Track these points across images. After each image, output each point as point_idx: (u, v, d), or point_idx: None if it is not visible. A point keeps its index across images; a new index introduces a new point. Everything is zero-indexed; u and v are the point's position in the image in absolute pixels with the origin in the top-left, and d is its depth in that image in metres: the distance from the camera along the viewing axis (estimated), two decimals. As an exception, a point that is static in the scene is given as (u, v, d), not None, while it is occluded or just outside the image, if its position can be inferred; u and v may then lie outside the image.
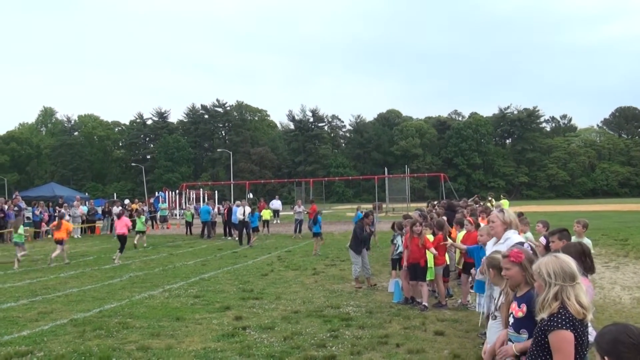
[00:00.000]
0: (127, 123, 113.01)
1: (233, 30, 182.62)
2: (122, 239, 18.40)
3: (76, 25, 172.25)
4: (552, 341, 3.22)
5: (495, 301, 4.76)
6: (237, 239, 24.37)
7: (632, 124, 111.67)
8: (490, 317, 4.88)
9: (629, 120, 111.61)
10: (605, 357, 2.60)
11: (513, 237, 5.75)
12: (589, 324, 3.64)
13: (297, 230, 26.96)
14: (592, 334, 3.40)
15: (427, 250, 10.15)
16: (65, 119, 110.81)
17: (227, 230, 27.38)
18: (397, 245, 11.83)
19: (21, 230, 17.99)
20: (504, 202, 27.81)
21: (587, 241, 9.39)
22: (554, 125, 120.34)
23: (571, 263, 3.40)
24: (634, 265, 14.71)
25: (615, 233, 23.80)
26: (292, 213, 30.77)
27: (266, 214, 29.10)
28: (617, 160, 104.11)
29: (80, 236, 29.83)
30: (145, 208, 35.22)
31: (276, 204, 40.63)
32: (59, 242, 17.60)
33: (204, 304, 10.72)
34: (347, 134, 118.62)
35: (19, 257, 17.19)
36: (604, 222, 31.01)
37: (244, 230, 23.76)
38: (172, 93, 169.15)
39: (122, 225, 18.75)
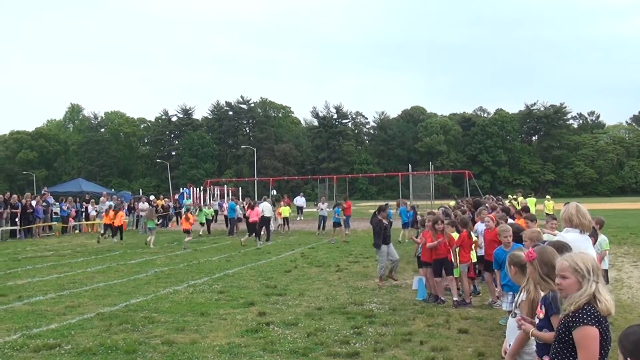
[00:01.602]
0: (153, 120, 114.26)
1: (257, 26, 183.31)
2: (254, 226, 21.91)
3: (102, 23, 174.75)
4: (578, 337, 3.17)
5: (516, 298, 4.73)
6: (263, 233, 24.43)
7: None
8: (510, 315, 4.84)
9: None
10: (629, 359, 2.56)
11: (566, 235, 5.59)
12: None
13: (322, 227, 26.97)
14: None
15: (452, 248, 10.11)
16: (92, 116, 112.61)
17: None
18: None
19: (154, 220, 22.83)
20: (530, 201, 27.53)
21: (602, 238, 9.24)
22: (581, 122, 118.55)
23: (596, 261, 3.38)
24: (664, 265, 14.46)
25: (644, 232, 23.41)
26: (315, 210, 30.81)
27: (285, 211, 29.04)
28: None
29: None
30: (171, 204, 35.56)
31: (300, 200, 40.71)
32: (187, 231, 21.19)
33: (228, 299, 10.80)
34: (371, 131, 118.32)
35: (147, 240, 21.66)
36: (632, 221, 30.53)
37: (264, 227, 23.79)
38: (197, 90, 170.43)
39: (254, 215, 22.17)
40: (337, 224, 23.28)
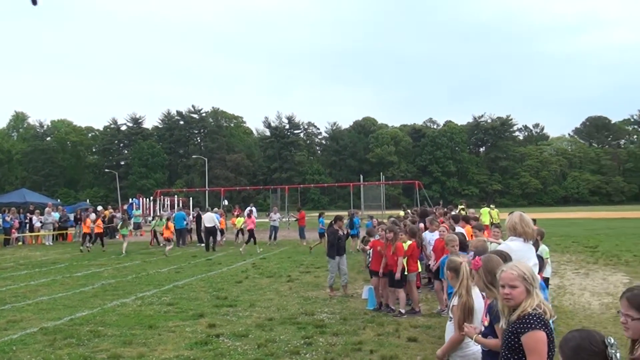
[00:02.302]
0: (101, 129, 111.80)
1: (209, 36, 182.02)
2: (251, 233, 23.02)
3: (49, 29, 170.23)
4: (527, 343, 3.25)
5: (450, 303, 4.86)
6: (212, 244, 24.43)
7: (602, 133, 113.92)
8: (448, 319, 4.98)
9: (599, 129, 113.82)
10: None
11: (510, 244, 5.78)
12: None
13: (273, 237, 26.87)
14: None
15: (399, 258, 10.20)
16: (38, 124, 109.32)
17: (200, 236, 27.28)
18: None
19: (129, 227, 25.01)
20: (484, 210, 27.98)
21: (543, 248, 9.52)
22: (526, 134, 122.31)
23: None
24: (603, 272, 14.99)
25: (585, 240, 24.22)
26: (267, 220, 30.67)
27: (240, 222, 28.81)
28: (588, 168, 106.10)
29: (52, 243, 29.38)
30: (119, 215, 34.79)
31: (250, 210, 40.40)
32: (168, 240, 22.48)
33: (177, 311, 10.65)
34: (323, 141, 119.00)
35: (124, 247, 22.74)
36: (574, 230, 31.54)
37: (210, 237, 24.29)
38: (147, 99, 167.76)
39: (250, 222, 23.45)
40: (322, 235, 23.32)
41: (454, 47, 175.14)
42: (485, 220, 25.04)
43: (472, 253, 5.48)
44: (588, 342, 2.64)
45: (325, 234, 13.63)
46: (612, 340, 2.62)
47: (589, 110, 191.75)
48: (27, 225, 30.78)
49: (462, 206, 28.14)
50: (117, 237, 31.75)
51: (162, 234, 27.13)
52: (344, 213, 22.83)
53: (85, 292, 13.06)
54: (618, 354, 2.60)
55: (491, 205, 32.29)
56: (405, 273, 10.23)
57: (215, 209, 28.12)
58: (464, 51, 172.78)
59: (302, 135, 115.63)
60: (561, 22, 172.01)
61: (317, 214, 25.81)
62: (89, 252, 23.33)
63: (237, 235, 28.05)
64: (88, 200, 57.71)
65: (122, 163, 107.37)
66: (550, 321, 3.38)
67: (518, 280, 3.42)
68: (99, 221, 25.58)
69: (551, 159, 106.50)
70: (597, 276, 14.35)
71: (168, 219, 24.22)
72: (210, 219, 24.19)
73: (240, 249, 22.39)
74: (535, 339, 3.23)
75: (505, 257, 4.47)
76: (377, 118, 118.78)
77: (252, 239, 23.01)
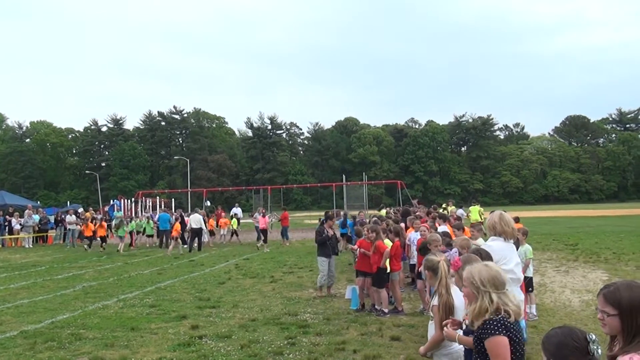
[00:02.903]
0: (81, 130, 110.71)
1: (191, 36, 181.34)
2: (264, 232, 25.04)
3: (28, 29, 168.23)
4: (489, 348, 3.29)
5: (430, 303, 4.88)
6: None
7: (581, 132, 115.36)
8: (430, 319, 5.01)
9: (578, 128, 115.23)
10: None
11: (492, 244, 5.80)
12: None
13: (257, 238, 26.82)
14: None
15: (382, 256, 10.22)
16: (17, 126, 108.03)
17: (183, 238, 27.13)
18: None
19: (123, 228, 25.49)
20: (473, 209, 27.96)
21: (527, 247, 9.58)
22: (507, 133, 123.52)
23: (501, 272, 3.51)
24: (583, 269, 15.16)
25: (566, 238, 24.49)
26: (251, 221, 30.64)
27: (234, 223, 29.10)
28: (568, 167, 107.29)
29: (31, 246, 29.03)
30: (99, 216, 34.45)
31: (238, 211, 40.30)
32: (174, 238, 23.64)
33: (160, 313, 10.57)
34: (306, 142, 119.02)
35: (120, 248, 24.31)
36: (555, 228, 31.86)
37: (195, 237, 24.19)
38: (129, 99, 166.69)
39: (263, 222, 25.22)
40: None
41: (436, 47, 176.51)
42: (476, 217, 25.19)
43: (455, 250, 5.51)
44: (570, 339, 2.66)
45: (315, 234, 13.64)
46: (594, 337, 2.65)
47: (568, 109, 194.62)
48: (7, 227, 30.40)
49: (444, 205, 28.24)
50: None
51: (148, 235, 27.53)
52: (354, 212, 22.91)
53: (67, 295, 12.93)
54: (599, 350, 2.63)
55: (473, 205, 32.38)
56: (388, 272, 10.27)
57: (198, 210, 27.94)
58: (445, 51, 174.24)
59: (284, 135, 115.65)
60: (541, 23, 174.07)
61: (322, 214, 25.98)
62: (104, 251, 24.77)
63: (231, 235, 28.23)
64: (69, 203, 56.92)
65: (103, 164, 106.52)
66: (523, 321, 3.41)
67: (467, 281, 3.51)
68: (104, 223, 26.59)
69: (531, 158, 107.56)
70: (577, 273, 14.52)
71: (176, 220, 24.96)
72: (197, 220, 24.01)
73: (265, 250, 23.31)
74: (495, 344, 3.28)
75: (482, 256, 4.49)
76: (359, 118, 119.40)
77: (264, 237, 24.75)
